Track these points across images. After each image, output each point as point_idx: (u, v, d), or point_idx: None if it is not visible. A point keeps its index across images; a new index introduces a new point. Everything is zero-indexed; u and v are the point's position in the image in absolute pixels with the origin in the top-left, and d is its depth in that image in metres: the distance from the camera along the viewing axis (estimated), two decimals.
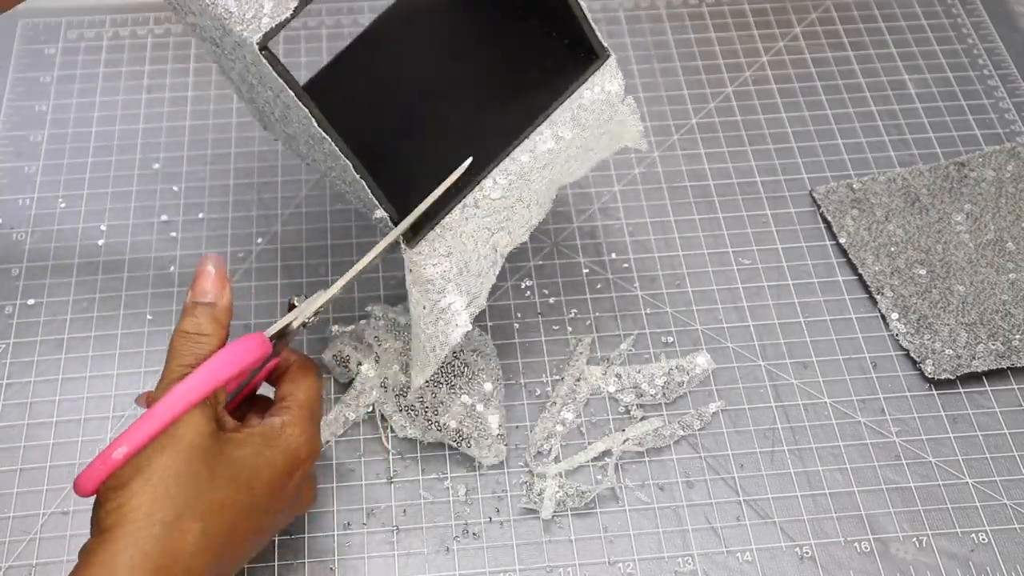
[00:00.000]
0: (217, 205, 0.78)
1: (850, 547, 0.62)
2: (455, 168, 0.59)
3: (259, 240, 0.76)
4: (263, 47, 0.53)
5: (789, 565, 0.62)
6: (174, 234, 0.76)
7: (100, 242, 0.76)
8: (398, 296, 0.73)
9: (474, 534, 0.63)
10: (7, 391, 0.69)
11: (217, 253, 0.57)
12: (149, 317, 0.72)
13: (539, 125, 0.61)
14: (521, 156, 0.61)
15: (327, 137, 0.56)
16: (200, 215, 0.77)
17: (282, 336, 0.58)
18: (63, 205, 0.78)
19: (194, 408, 0.52)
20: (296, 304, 0.58)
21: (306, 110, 0.55)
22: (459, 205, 0.60)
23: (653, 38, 0.89)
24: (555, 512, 0.63)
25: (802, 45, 0.89)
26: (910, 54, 0.88)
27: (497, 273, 0.62)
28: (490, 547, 0.63)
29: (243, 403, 0.60)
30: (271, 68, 0.53)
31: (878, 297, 0.72)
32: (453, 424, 0.65)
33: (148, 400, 0.55)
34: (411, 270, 0.60)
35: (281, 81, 0.53)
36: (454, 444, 0.65)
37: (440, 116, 0.65)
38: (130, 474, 0.50)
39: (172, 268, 0.75)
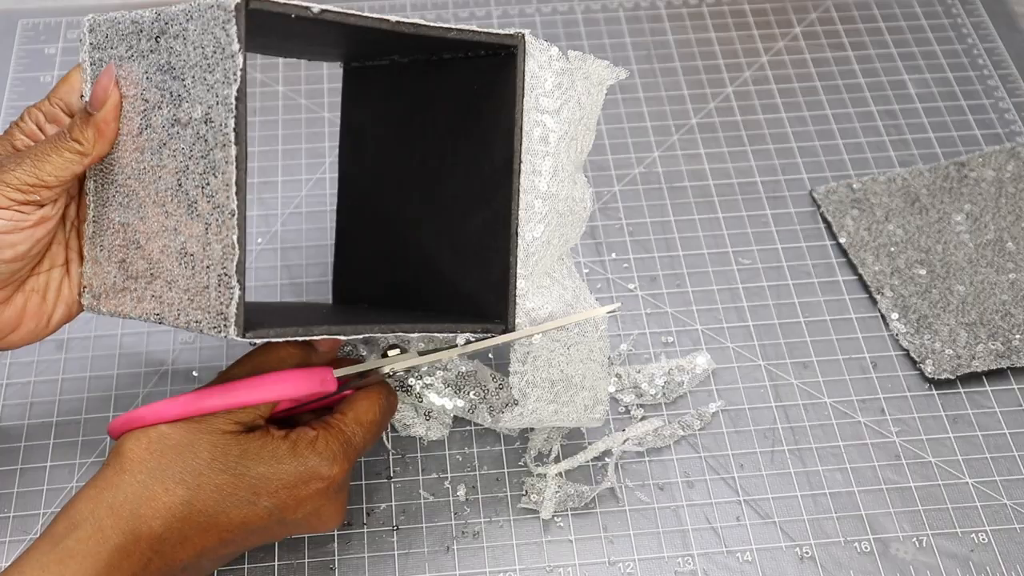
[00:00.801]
0: None
1: (850, 547, 0.62)
2: (486, 233, 0.59)
3: (259, 240, 0.76)
4: (246, 333, 0.52)
5: (789, 565, 0.62)
6: None
7: None
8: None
9: (474, 534, 0.63)
10: (7, 391, 0.69)
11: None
12: None
13: (518, 147, 0.58)
14: (529, 184, 0.59)
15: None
16: None
17: (363, 375, 0.59)
18: None
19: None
20: (389, 355, 0.59)
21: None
22: (518, 266, 0.59)
23: (653, 38, 0.89)
24: (555, 512, 0.63)
25: (802, 45, 0.89)
26: (910, 54, 0.88)
27: (575, 273, 0.62)
28: (490, 547, 0.63)
29: (318, 408, 0.60)
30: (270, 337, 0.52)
31: (878, 297, 0.72)
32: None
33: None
34: (526, 352, 0.60)
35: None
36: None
37: (430, 197, 0.63)
38: (139, 429, 0.54)
39: None
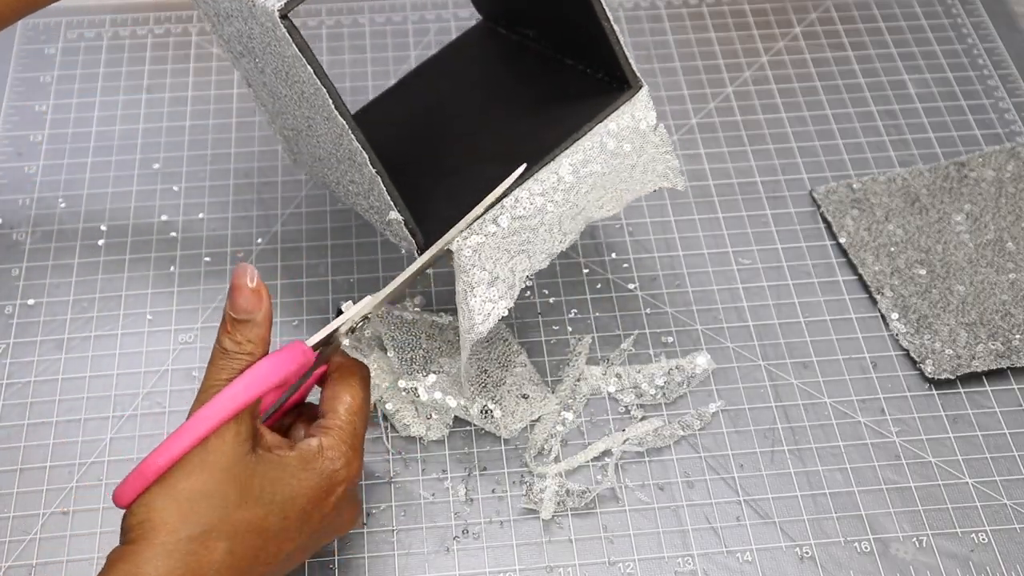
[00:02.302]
0: (217, 205, 0.78)
1: (850, 547, 0.62)
2: (481, 188, 0.60)
3: (259, 240, 0.76)
4: (284, 15, 0.53)
5: (789, 565, 0.62)
6: (174, 234, 0.76)
7: (100, 242, 0.76)
8: (397, 295, 0.72)
9: (474, 534, 0.63)
10: (7, 391, 0.69)
11: (247, 263, 0.55)
12: (149, 317, 0.72)
13: (567, 147, 0.62)
14: (547, 177, 0.61)
15: (344, 125, 0.56)
16: (200, 215, 0.77)
17: (329, 343, 0.57)
18: (63, 205, 0.78)
19: (229, 424, 0.51)
20: (344, 310, 0.58)
21: (324, 90, 0.55)
22: (482, 220, 0.60)
23: (653, 38, 0.89)
24: (555, 512, 0.63)
25: (802, 45, 0.89)
26: (910, 54, 0.88)
27: (516, 295, 0.61)
28: (490, 547, 0.63)
29: (291, 411, 0.59)
30: (291, 40, 0.54)
31: (878, 297, 0.72)
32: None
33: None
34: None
35: (302, 58, 0.54)
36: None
37: (471, 144, 0.67)
38: (157, 490, 0.50)
39: (172, 268, 0.75)
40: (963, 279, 0.73)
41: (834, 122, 0.83)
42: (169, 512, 0.50)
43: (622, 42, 0.62)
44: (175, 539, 0.50)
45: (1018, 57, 0.87)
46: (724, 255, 0.75)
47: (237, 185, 0.79)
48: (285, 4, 0.54)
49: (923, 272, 0.73)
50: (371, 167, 0.58)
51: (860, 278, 0.74)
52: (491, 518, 0.64)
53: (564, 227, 0.62)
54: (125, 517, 0.51)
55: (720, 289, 0.74)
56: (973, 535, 0.63)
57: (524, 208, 0.61)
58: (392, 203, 0.59)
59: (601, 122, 0.62)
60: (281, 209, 0.78)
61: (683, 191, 0.79)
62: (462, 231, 0.59)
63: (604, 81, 0.65)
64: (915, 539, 0.63)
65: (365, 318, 0.58)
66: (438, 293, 0.73)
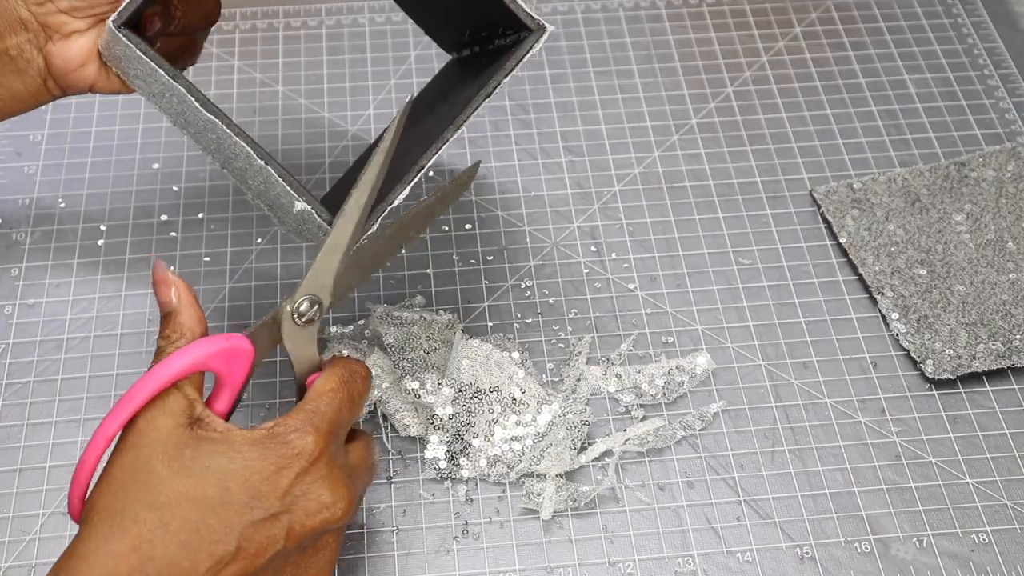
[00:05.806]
0: (217, 205, 0.78)
1: (850, 547, 0.62)
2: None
3: (259, 240, 0.76)
4: (119, 25, 0.53)
5: (789, 565, 0.62)
6: (174, 234, 0.76)
7: (100, 242, 0.76)
8: (398, 295, 0.73)
9: (474, 534, 0.63)
10: (7, 391, 0.69)
11: (159, 260, 0.57)
12: (149, 317, 0.72)
13: (472, 111, 0.61)
14: None
15: (216, 120, 0.54)
16: (200, 215, 0.77)
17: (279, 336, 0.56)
18: (63, 205, 0.78)
19: (156, 403, 0.51)
20: (302, 308, 0.57)
21: (191, 98, 0.54)
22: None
23: (653, 38, 0.89)
24: (555, 512, 0.63)
25: (802, 45, 0.89)
26: (910, 54, 0.88)
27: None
28: (490, 547, 0.63)
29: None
30: (133, 47, 0.53)
31: (878, 297, 0.72)
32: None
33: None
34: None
35: (156, 68, 0.53)
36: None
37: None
38: (96, 482, 0.52)
39: (172, 268, 0.74)
40: (963, 279, 0.73)
41: (834, 122, 0.83)
42: (101, 494, 0.50)
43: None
44: (107, 517, 0.50)
45: (1018, 57, 0.87)
46: (724, 255, 0.75)
47: (237, 185, 0.79)
48: (119, 14, 0.54)
49: (923, 272, 0.73)
50: (259, 160, 0.56)
51: (860, 278, 0.74)
52: (491, 518, 0.64)
53: None
54: None
55: (720, 289, 0.74)
56: (973, 535, 0.63)
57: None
58: (293, 191, 0.57)
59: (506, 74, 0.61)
60: None
61: (684, 188, 0.79)
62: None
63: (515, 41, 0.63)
64: (915, 539, 0.63)
65: (318, 304, 0.56)
66: (438, 293, 0.73)
